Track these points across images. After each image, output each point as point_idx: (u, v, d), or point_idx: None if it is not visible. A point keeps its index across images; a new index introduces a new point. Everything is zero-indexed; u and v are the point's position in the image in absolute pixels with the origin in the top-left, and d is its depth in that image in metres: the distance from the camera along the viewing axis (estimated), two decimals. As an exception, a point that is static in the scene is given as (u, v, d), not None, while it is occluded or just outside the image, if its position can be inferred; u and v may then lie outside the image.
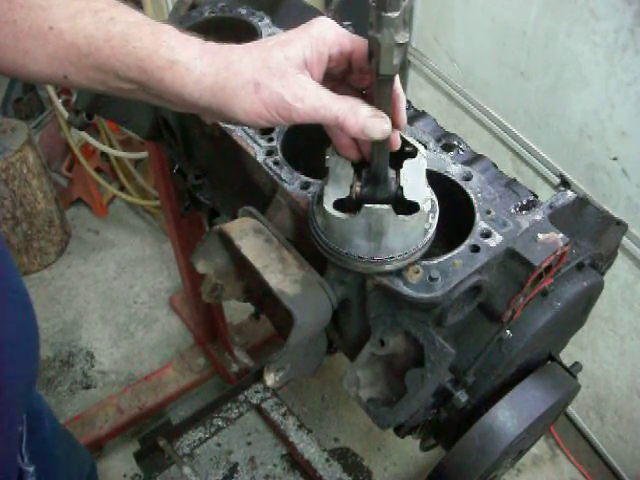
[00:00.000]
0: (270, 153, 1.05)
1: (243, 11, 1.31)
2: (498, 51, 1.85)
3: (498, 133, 1.97)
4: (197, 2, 1.38)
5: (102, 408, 2.27)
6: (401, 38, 0.58)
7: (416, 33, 2.19)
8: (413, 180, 0.77)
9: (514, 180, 1.03)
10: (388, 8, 0.56)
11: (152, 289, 2.85)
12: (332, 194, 0.78)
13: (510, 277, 0.90)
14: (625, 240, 1.62)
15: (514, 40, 1.77)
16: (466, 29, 1.97)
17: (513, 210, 0.95)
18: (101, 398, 2.37)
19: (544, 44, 1.68)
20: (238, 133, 1.08)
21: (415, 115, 1.13)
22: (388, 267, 0.82)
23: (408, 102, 1.14)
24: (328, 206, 0.77)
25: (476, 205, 0.94)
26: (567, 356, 1.20)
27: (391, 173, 0.78)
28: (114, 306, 2.79)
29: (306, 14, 1.31)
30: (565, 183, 1.44)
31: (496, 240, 0.89)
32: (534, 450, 2.29)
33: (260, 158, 1.05)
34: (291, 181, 1.00)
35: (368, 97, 0.70)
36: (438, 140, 1.07)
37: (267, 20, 1.28)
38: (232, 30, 1.30)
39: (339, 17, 1.53)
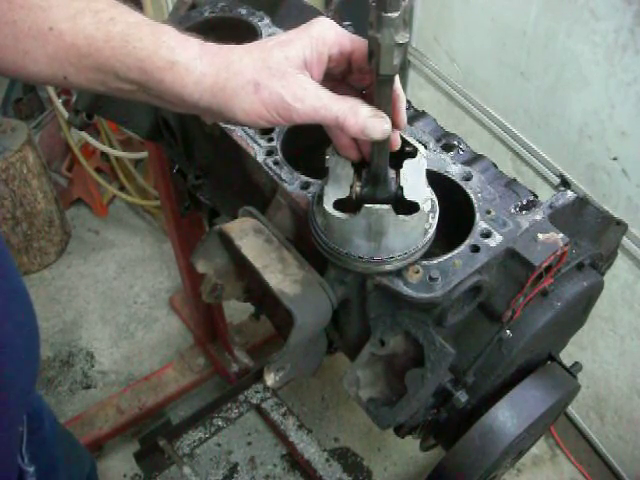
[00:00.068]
0: (270, 153, 1.05)
1: (243, 11, 1.31)
2: (498, 51, 1.85)
3: (498, 133, 1.97)
4: (197, 2, 1.38)
5: (102, 408, 2.27)
6: (401, 38, 0.58)
7: (416, 33, 2.19)
8: (413, 180, 0.77)
9: (514, 180, 1.03)
10: (388, 8, 0.56)
11: (152, 289, 2.86)
12: (332, 194, 0.78)
13: (510, 277, 0.90)
14: (625, 240, 1.62)
15: (514, 40, 1.77)
16: (466, 29, 1.97)
17: (513, 210, 0.95)
18: (101, 398, 2.37)
19: (544, 44, 1.68)
20: (238, 133, 1.08)
21: (415, 115, 1.13)
22: (388, 267, 0.82)
23: (408, 102, 1.14)
24: (328, 206, 0.77)
25: (476, 205, 0.94)
26: (567, 356, 1.20)
27: (391, 173, 0.78)
28: (114, 306, 2.79)
29: (306, 14, 1.31)
30: (565, 183, 1.45)
31: (496, 240, 0.89)
32: (534, 450, 2.29)
33: (260, 158, 1.05)
34: (291, 181, 1.00)
35: (368, 97, 0.70)
36: (438, 140, 1.07)
37: (267, 20, 1.28)
38: (232, 30, 1.30)
39: (339, 17, 1.53)
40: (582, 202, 1.04)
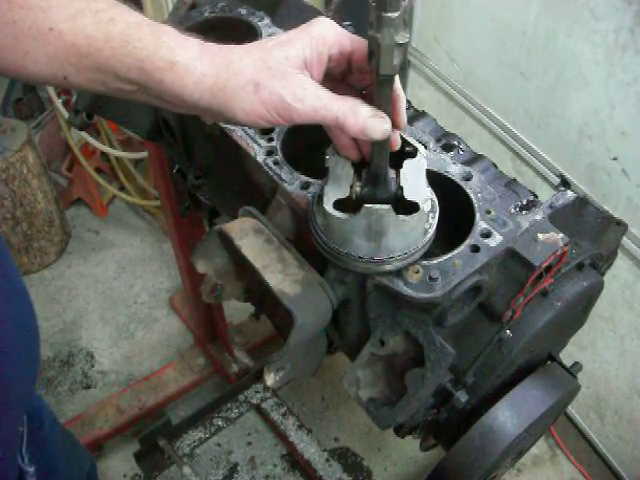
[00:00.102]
0: (270, 153, 1.05)
1: (243, 11, 1.31)
2: (498, 51, 1.85)
3: (498, 133, 1.97)
4: (197, 2, 1.38)
5: (102, 408, 2.27)
6: (401, 38, 0.58)
7: (416, 33, 2.19)
8: (413, 180, 0.77)
9: (514, 180, 1.03)
10: (388, 8, 0.56)
11: (152, 289, 2.86)
12: (332, 194, 0.78)
13: (510, 277, 0.90)
14: (625, 240, 1.62)
15: (514, 40, 1.77)
16: (466, 29, 1.97)
17: (513, 210, 0.95)
18: (101, 398, 2.37)
19: (544, 44, 1.68)
20: (238, 133, 1.08)
21: (415, 115, 1.13)
22: (388, 267, 0.82)
23: (408, 102, 1.14)
24: (328, 206, 0.77)
25: (476, 205, 0.94)
26: (567, 356, 1.20)
27: (391, 173, 0.78)
28: (114, 306, 2.79)
29: (306, 14, 1.31)
30: (565, 183, 1.45)
31: (496, 240, 0.89)
32: (534, 450, 2.29)
33: (260, 158, 1.05)
34: (291, 181, 1.00)
35: (368, 97, 0.70)
36: (438, 140, 1.07)
37: (267, 20, 1.28)
38: (232, 30, 1.30)
39: (339, 17, 1.53)
40: (582, 202, 1.04)
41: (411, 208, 0.76)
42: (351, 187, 0.77)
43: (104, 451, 2.30)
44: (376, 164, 0.74)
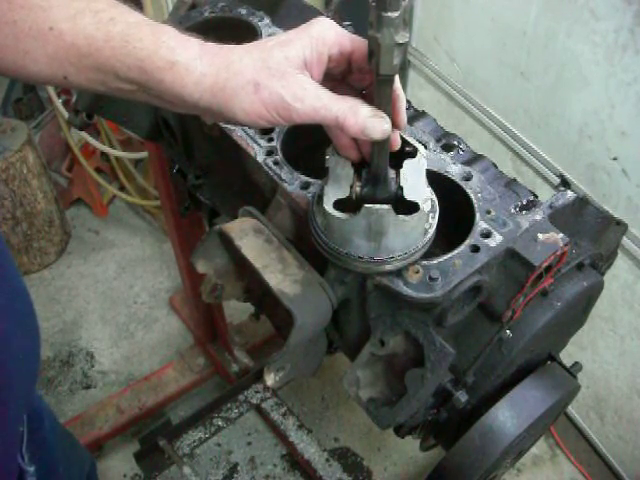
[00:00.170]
0: (270, 153, 1.05)
1: (243, 11, 1.31)
2: (498, 51, 1.85)
3: (498, 133, 1.97)
4: (197, 2, 1.38)
5: (102, 408, 2.27)
6: (401, 38, 0.58)
7: (416, 33, 2.19)
8: (413, 180, 0.77)
9: (514, 180, 1.03)
10: (388, 8, 0.56)
11: (152, 289, 2.86)
12: (332, 194, 0.78)
13: (510, 277, 0.90)
14: (625, 240, 1.62)
15: (514, 40, 1.77)
16: (466, 29, 1.97)
17: (513, 210, 0.95)
18: (101, 398, 2.37)
19: (544, 44, 1.68)
20: (238, 133, 1.08)
21: (415, 115, 1.13)
22: (388, 267, 0.82)
23: (408, 102, 1.14)
24: (328, 206, 0.77)
25: (476, 205, 0.94)
26: (567, 356, 1.20)
27: (391, 173, 0.78)
28: (114, 306, 2.79)
29: (306, 14, 1.31)
30: (565, 183, 1.45)
31: (496, 240, 0.89)
32: (534, 450, 2.29)
33: (260, 158, 1.05)
34: (291, 181, 1.00)
35: (368, 97, 0.70)
36: (438, 140, 1.07)
37: (267, 20, 1.28)
38: (232, 30, 1.30)
39: (339, 17, 1.53)
40: (582, 202, 1.04)
41: (411, 208, 0.76)
42: (351, 187, 0.77)
43: (104, 451, 2.30)
44: (376, 164, 0.74)
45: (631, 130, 1.52)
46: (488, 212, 0.92)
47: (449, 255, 0.87)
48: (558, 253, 0.88)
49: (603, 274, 1.11)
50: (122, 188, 3.06)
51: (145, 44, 0.65)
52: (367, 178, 0.77)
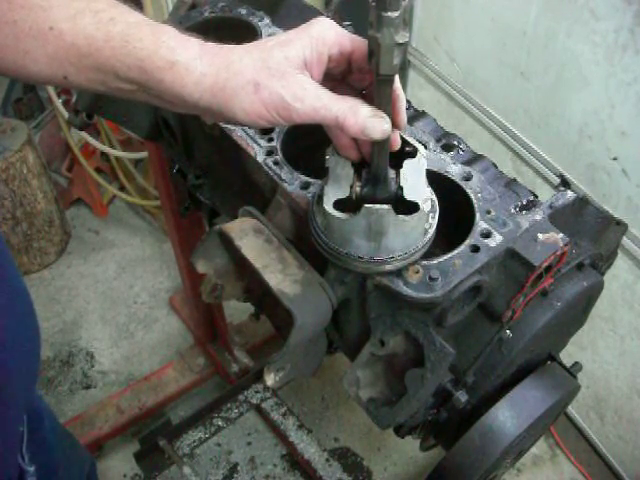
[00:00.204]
0: (270, 153, 1.05)
1: (243, 11, 1.31)
2: (498, 51, 1.85)
3: (498, 133, 1.97)
4: (197, 2, 1.38)
5: (102, 408, 2.27)
6: (401, 38, 0.58)
7: (416, 33, 2.19)
8: (413, 180, 0.77)
9: (514, 180, 1.03)
10: (388, 8, 0.56)
11: (152, 289, 2.86)
12: (332, 194, 0.78)
13: (510, 277, 0.90)
14: (625, 240, 1.62)
15: (514, 40, 1.77)
16: (466, 29, 1.97)
17: (513, 210, 0.95)
18: (101, 398, 2.37)
19: (544, 44, 1.68)
20: (238, 133, 1.08)
21: (415, 115, 1.13)
22: (388, 267, 0.82)
23: (408, 102, 1.14)
24: (328, 206, 0.77)
25: (476, 205, 0.94)
26: (567, 356, 1.20)
27: (391, 173, 0.78)
28: (114, 306, 2.79)
29: (306, 14, 1.31)
30: (565, 183, 1.44)
31: (496, 240, 0.89)
32: (534, 450, 2.29)
33: (260, 158, 1.05)
34: (291, 181, 1.00)
35: (368, 97, 0.70)
36: (438, 140, 1.07)
37: (267, 20, 1.28)
38: (232, 30, 1.30)
39: (339, 17, 1.53)
40: (582, 202, 1.04)
41: (411, 208, 0.76)
42: (351, 187, 0.77)
43: (104, 451, 2.30)
44: (376, 164, 0.74)
45: (631, 130, 1.52)
46: (488, 212, 0.92)
47: (449, 255, 0.87)
48: (558, 253, 0.88)
49: (603, 274, 1.11)
50: (122, 188, 3.06)
51: (145, 44, 0.65)
52: (367, 178, 0.77)
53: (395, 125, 0.71)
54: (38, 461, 1.08)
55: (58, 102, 2.58)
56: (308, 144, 1.01)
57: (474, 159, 1.05)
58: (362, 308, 0.95)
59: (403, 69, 0.63)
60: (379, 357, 0.95)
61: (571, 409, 2.18)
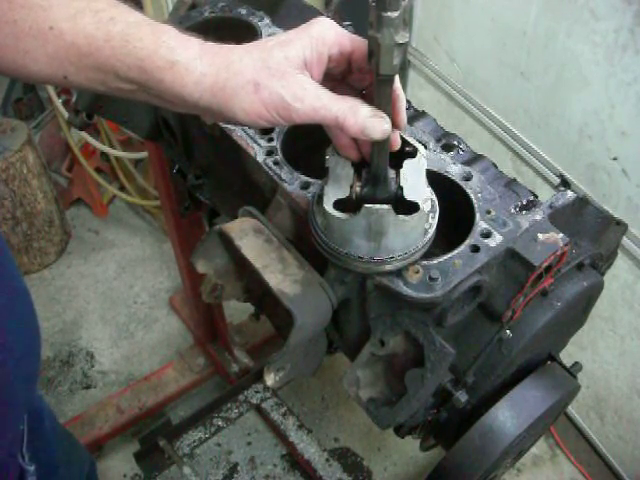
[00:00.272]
0: (270, 153, 1.05)
1: (243, 11, 1.31)
2: (498, 51, 1.85)
3: (498, 133, 1.97)
4: (197, 2, 1.38)
5: (102, 408, 2.27)
6: (401, 38, 0.58)
7: (416, 33, 2.19)
8: (413, 180, 0.77)
9: (514, 180, 1.03)
10: (388, 8, 0.56)
11: (152, 289, 2.86)
12: (332, 194, 0.78)
13: (510, 277, 0.90)
14: (625, 240, 1.62)
15: (514, 40, 1.77)
16: (466, 29, 1.97)
17: (513, 210, 0.95)
18: (101, 398, 2.37)
19: (544, 44, 1.68)
20: (238, 133, 1.08)
21: (415, 115, 1.13)
22: (388, 267, 0.82)
23: (408, 102, 1.14)
24: (328, 206, 0.77)
25: (476, 205, 0.94)
26: (567, 356, 1.20)
27: (391, 173, 0.78)
28: (114, 306, 2.79)
29: (306, 14, 1.31)
30: (565, 183, 1.44)
31: (496, 240, 0.89)
32: (534, 450, 2.29)
33: (260, 158, 1.05)
34: (291, 181, 1.00)
35: (368, 97, 0.70)
36: (438, 140, 1.07)
37: (267, 20, 1.28)
38: (232, 30, 1.30)
39: (339, 17, 1.53)
40: (582, 202, 1.04)
41: (411, 208, 0.76)
42: (351, 187, 0.77)
43: (104, 451, 2.29)
44: (376, 164, 0.74)
45: (631, 130, 1.52)
46: (488, 212, 0.92)
47: (449, 255, 0.87)
48: (558, 253, 0.88)
49: (603, 274, 1.11)
50: (122, 188, 3.06)
51: (145, 44, 0.65)
52: (367, 178, 0.77)
53: (395, 125, 0.71)
54: (38, 460, 1.08)
55: (58, 102, 2.58)
56: (308, 144, 1.01)
57: (474, 159, 1.05)
58: (362, 308, 0.95)
59: (403, 69, 0.63)
60: (379, 357, 0.95)
61: (571, 409, 2.18)
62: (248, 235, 0.92)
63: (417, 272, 0.85)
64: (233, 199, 1.24)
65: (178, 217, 1.81)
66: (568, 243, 0.89)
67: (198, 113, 0.73)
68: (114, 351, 2.63)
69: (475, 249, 0.88)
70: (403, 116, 0.72)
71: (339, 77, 0.73)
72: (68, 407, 2.44)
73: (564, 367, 1.12)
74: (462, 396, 1.00)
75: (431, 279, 0.84)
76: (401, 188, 0.77)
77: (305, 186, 0.98)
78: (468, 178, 0.98)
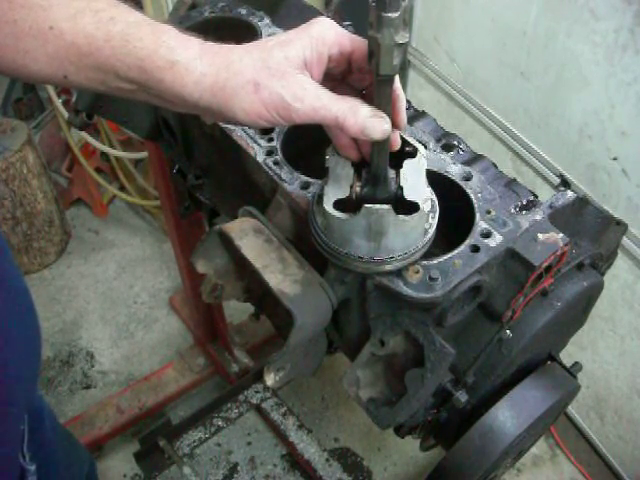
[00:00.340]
0: (270, 153, 1.05)
1: (243, 11, 1.31)
2: (498, 51, 1.85)
3: (498, 133, 1.97)
4: (197, 2, 1.38)
5: (102, 408, 2.27)
6: (401, 38, 0.58)
7: (416, 33, 2.19)
8: (413, 180, 0.77)
9: (514, 180, 1.03)
10: (388, 8, 0.56)
11: (152, 289, 2.86)
12: (332, 194, 0.78)
13: (510, 277, 0.90)
14: (625, 240, 1.62)
15: (514, 40, 1.77)
16: (466, 29, 1.97)
17: (513, 210, 0.95)
18: (101, 398, 2.37)
19: (544, 44, 1.68)
20: (238, 133, 1.08)
21: (415, 115, 1.13)
22: (388, 267, 0.82)
23: (408, 102, 1.14)
24: (328, 206, 0.77)
25: (476, 205, 0.94)
26: (567, 356, 1.20)
27: (391, 173, 0.78)
28: (114, 306, 2.79)
29: (306, 14, 1.31)
30: (565, 183, 1.45)
31: (496, 240, 0.89)
32: (534, 450, 2.29)
33: (260, 158, 1.05)
34: (291, 181, 1.00)
35: (368, 97, 0.70)
36: (438, 140, 1.07)
37: (267, 20, 1.28)
38: (232, 30, 1.30)
39: (339, 17, 1.53)
40: (582, 202, 1.04)
41: (411, 208, 0.76)
42: (351, 187, 0.77)
43: (104, 451, 2.29)
44: (376, 164, 0.74)
45: (631, 130, 1.52)
46: (488, 212, 0.92)
47: (449, 255, 0.87)
48: (558, 253, 0.88)
49: (603, 274, 1.11)
50: (122, 188, 3.06)
51: (145, 43, 0.65)
52: (367, 178, 0.77)
53: (395, 125, 0.71)
54: (39, 460, 1.08)
55: (58, 102, 2.58)
56: (308, 144, 1.01)
57: (474, 159, 1.05)
58: (362, 308, 0.95)
59: (403, 69, 0.63)
60: (379, 357, 0.95)
61: (571, 409, 2.18)
62: (248, 235, 0.92)
63: (417, 272, 0.85)
64: (233, 199, 1.24)
65: (178, 217, 1.81)
66: (568, 243, 0.89)
67: (198, 113, 0.73)
68: (114, 351, 2.63)
69: (475, 249, 0.88)
70: (403, 116, 0.72)
71: (339, 77, 0.73)
72: (68, 407, 2.44)
73: (564, 367, 1.12)
74: (462, 396, 1.00)
75: (431, 279, 0.84)
76: (401, 188, 0.77)
77: (305, 186, 0.99)
78: (468, 178, 0.98)
